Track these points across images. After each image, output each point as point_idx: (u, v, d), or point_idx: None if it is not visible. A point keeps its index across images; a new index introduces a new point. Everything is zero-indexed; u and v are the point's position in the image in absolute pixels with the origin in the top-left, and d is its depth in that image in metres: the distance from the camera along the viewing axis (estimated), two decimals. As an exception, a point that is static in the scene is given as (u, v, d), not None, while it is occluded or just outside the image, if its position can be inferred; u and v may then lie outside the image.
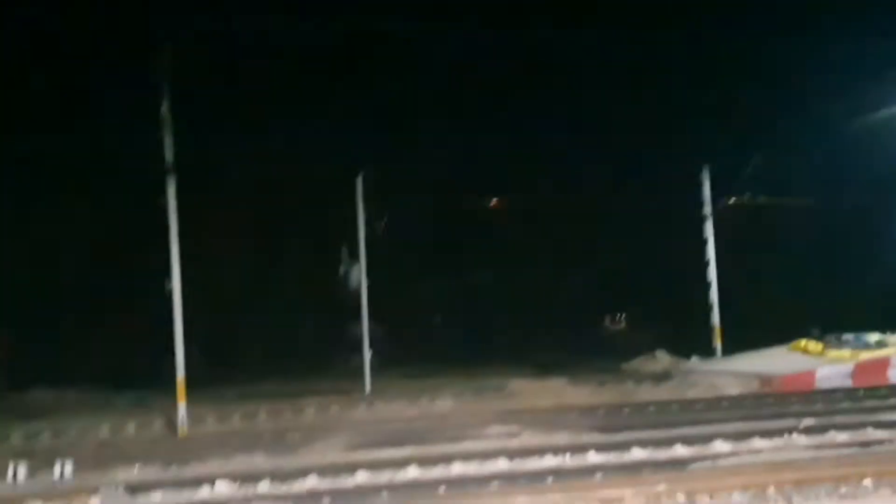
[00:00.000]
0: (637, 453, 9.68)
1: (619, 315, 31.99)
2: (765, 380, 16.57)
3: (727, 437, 10.21)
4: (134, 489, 8.69)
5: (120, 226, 21.23)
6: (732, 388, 16.33)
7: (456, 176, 25.88)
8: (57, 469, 9.74)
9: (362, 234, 18.88)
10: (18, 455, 10.91)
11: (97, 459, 10.77)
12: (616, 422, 12.40)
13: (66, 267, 22.04)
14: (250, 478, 8.98)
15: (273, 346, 23.75)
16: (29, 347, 21.09)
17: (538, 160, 25.36)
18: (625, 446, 9.96)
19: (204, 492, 8.57)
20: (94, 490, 8.59)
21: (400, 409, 15.75)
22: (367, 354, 18.72)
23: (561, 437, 11.21)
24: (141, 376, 19.15)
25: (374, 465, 9.40)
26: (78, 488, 8.76)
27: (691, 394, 16.08)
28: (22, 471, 9.74)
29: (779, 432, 10.46)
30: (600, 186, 26.25)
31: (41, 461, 10.31)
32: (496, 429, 12.07)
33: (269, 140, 21.68)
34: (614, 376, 19.16)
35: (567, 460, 9.51)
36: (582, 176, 26.20)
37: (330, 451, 10.99)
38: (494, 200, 29.57)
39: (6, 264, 21.46)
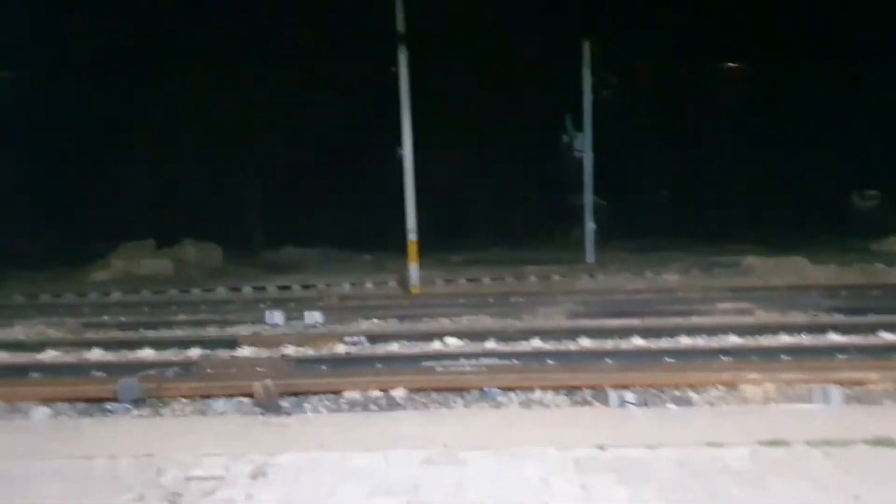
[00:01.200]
0: (886, 336, 8.93)
1: (869, 191, 29.02)
2: None
3: None
4: (374, 339, 9.44)
5: (357, 95, 22.12)
6: None
7: (689, 40, 24.05)
8: (308, 317, 10.85)
9: (588, 103, 18.36)
10: (274, 303, 12.24)
11: (340, 311, 11.81)
12: (862, 303, 11.43)
13: (308, 136, 23.52)
14: (477, 335, 9.42)
15: (497, 214, 24.24)
16: (280, 210, 23.15)
17: (780, 20, 22.94)
18: (871, 329, 9.23)
19: (435, 345, 9.12)
20: (340, 337, 9.45)
21: (623, 281, 15.62)
22: (590, 226, 18.58)
23: (798, 316, 10.63)
24: (375, 239, 20.46)
25: (596, 333, 9.46)
26: (326, 335, 9.67)
27: (954, 279, 14.50)
28: (278, 317, 10.95)
29: None
30: (855, 49, 23.32)
31: (293, 310, 11.49)
32: (726, 305, 11.62)
33: (495, 8, 21.34)
34: (862, 256, 17.61)
35: (804, 339, 9.00)
36: (833, 37, 23.37)
37: (552, 317, 11.20)
38: (731, 66, 27.28)
39: (256, 137, 23.37)
